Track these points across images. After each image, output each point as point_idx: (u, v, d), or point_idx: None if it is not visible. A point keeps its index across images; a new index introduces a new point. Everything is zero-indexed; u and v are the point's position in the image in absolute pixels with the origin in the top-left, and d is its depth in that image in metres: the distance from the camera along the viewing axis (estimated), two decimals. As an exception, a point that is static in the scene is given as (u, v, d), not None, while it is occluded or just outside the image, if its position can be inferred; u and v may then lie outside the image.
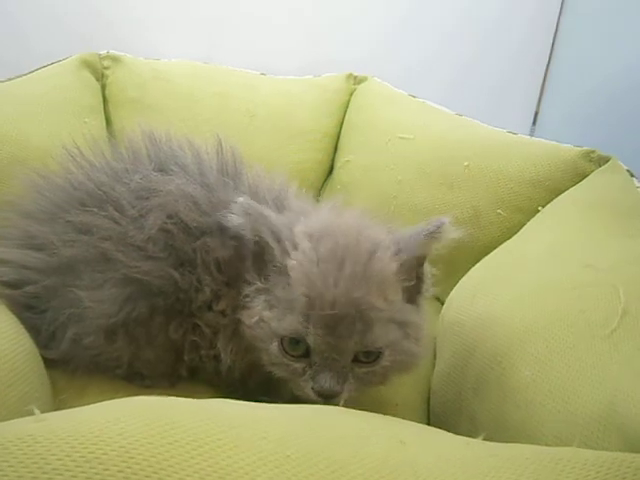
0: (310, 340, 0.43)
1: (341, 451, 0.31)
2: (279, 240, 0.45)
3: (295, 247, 0.45)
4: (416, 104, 0.91)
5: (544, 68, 1.25)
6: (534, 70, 1.25)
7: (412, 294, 0.48)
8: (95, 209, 0.49)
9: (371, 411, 0.40)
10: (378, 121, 0.92)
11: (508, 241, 0.67)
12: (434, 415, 0.57)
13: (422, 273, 0.49)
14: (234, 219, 0.46)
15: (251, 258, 0.47)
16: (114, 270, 0.48)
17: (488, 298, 0.57)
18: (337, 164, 0.97)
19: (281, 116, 0.96)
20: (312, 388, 0.45)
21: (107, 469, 0.26)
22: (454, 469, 0.30)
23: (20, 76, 0.80)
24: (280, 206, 0.52)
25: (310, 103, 0.98)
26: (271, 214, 0.46)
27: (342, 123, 0.99)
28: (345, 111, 0.99)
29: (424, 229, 0.46)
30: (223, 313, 0.49)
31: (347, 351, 0.44)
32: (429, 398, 0.60)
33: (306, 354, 0.45)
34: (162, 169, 0.52)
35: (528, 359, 0.45)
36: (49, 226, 0.50)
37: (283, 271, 0.45)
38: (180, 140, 0.56)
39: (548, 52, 1.23)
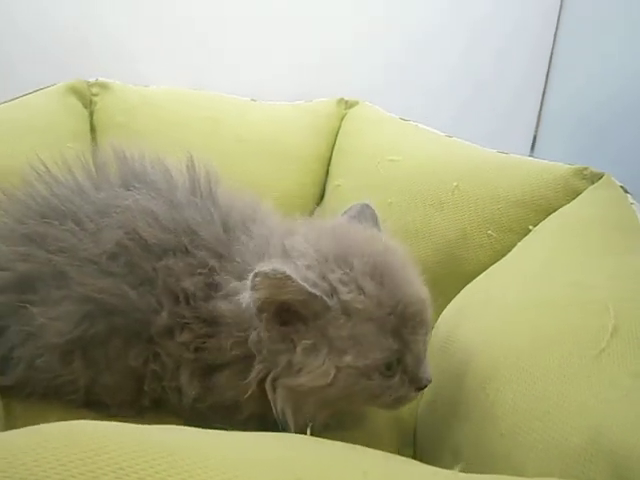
0: (411, 348, 0.44)
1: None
2: (315, 285, 0.42)
3: (328, 282, 0.42)
4: (407, 127, 0.90)
5: (540, 96, 1.25)
6: (532, 99, 1.25)
7: None
8: (55, 222, 0.47)
9: (355, 442, 0.36)
10: (368, 144, 0.90)
11: (497, 263, 0.64)
12: (419, 447, 0.53)
13: None
14: (249, 295, 0.41)
15: (266, 326, 0.42)
16: (71, 287, 0.45)
17: (475, 322, 0.54)
18: (328, 189, 0.96)
19: (271, 141, 0.95)
20: (416, 388, 0.46)
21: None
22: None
23: (5, 102, 0.79)
24: (251, 225, 0.50)
25: (301, 128, 0.97)
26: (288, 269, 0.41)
27: (333, 148, 0.98)
28: (336, 136, 0.98)
29: (372, 217, 0.53)
30: (187, 346, 0.46)
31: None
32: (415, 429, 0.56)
33: (397, 364, 0.44)
34: (127, 186, 0.50)
35: (513, 384, 0.42)
36: (6, 241, 0.48)
37: (339, 311, 0.42)
38: (152, 159, 0.55)
39: (544, 81, 1.24)
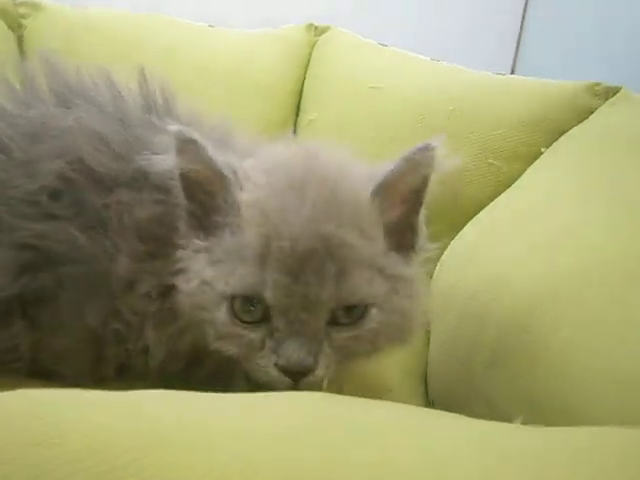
0: (269, 294, 0.32)
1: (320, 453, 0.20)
2: (234, 171, 0.35)
3: (248, 180, 0.35)
4: (387, 52, 0.81)
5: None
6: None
7: (401, 245, 0.36)
8: None
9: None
10: (344, 73, 0.81)
11: (504, 193, 0.58)
12: (436, 400, 0.47)
13: (416, 224, 0.38)
14: (163, 160, 0.35)
15: (186, 215, 0.36)
16: (2, 232, 0.35)
17: (491, 258, 0.48)
18: (300, 124, 0.86)
19: (234, 71, 0.84)
20: (276, 364, 0.33)
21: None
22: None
23: None
24: (225, 147, 0.40)
25: (266, 57, 0.86)
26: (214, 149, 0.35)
27: (304, 79, 0.88)
28: (307, 65, 0.88)
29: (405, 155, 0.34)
30: (149, 296, 0.37)
31: (320, 306, 0.32)
32: (426, 380, 0.50)
33: (264, 318, 0.34)
34: (65, 104, 0.40)
35: (562, 320, 0.36)
36: None
37: (234, 212, 0.34)
38: (94, 73, 0.44)
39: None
